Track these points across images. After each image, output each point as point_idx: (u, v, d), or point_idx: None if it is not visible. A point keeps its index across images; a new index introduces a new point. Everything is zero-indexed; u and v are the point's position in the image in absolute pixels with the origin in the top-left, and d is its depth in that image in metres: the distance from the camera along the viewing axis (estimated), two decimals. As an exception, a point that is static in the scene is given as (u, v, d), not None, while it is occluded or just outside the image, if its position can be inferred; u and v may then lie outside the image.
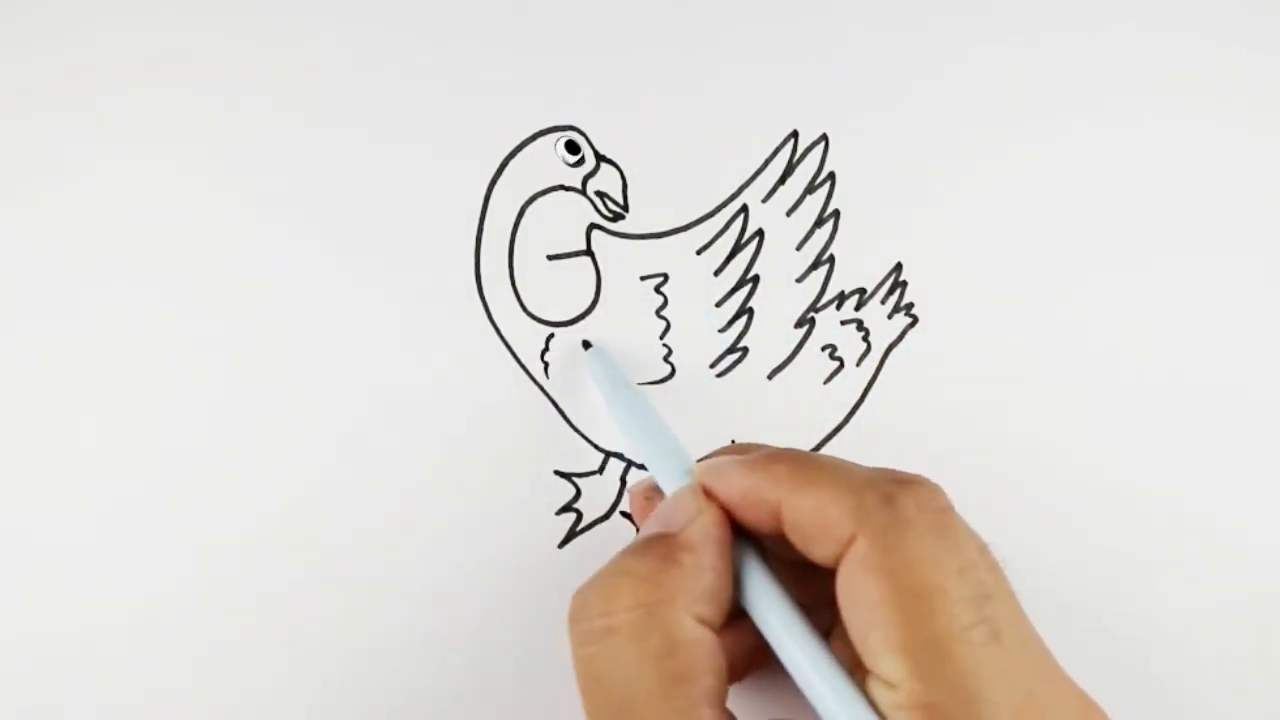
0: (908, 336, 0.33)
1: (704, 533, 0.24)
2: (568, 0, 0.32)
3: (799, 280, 0.33)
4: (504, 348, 0.32)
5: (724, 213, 0.33)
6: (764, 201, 0.33)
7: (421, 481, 0.32)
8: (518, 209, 0.32)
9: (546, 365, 0.32)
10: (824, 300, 0.33)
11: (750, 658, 0.26)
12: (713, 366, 0.33)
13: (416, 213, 0.32)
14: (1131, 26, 0.34)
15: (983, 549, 0.23)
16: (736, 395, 0.33)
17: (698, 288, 0.33)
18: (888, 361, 0.33)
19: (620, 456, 0.32)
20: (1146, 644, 0.34)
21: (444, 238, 0.32)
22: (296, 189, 0.31)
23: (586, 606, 0.23)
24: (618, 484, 0.32)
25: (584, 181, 0.32)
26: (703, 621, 0.23)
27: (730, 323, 0.33)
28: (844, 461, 0.24)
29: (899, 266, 0.33)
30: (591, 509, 0.32)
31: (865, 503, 0.22)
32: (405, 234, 0.32)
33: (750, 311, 0.33)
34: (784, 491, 0.23)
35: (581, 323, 0.32)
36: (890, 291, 0.33)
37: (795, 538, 0.23)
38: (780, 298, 0.33)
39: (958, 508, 0.23)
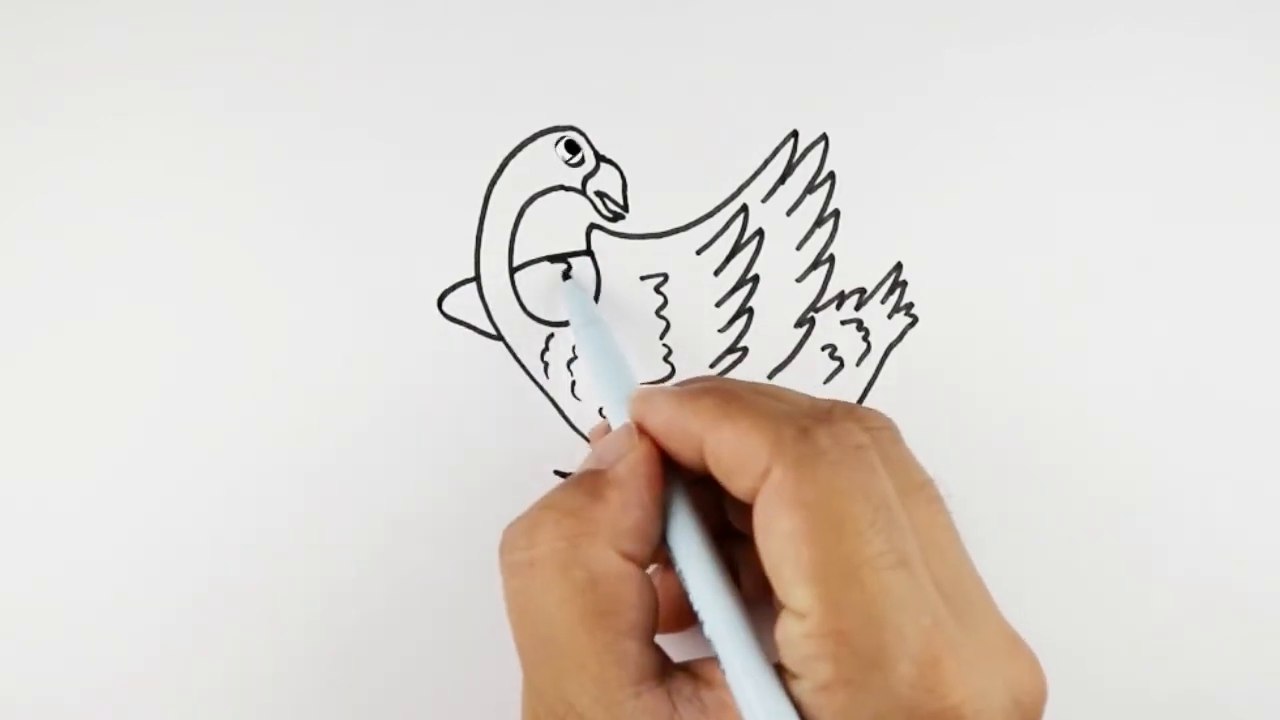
0: (908, 336, 0.33)
1: (631, 469, 0.24)
2: (568, 0, 0.32)
3: (799, 280, 0.33)
4: (504, 348, 0.32)
5: (724, 212, 0.33)
6: (764, 201, 0.33)
7: (421, 481, 0.32)
8: (518, 209, 0.32)
9: (546, 365, 0.32)
10: (824, 300, 0.33)
11: None
12: (713, 366, 0.33)
13: (416, 212, 0.32)
14: (1132, 27, 0.34)
15: (914, 482, 0.23)
16: (736, 395, 0.32)
17: (698, 288, 0.33)
18: (888, 361, 0.33)
19: (620, 456, 0.32)
20: (1145, 642, 0.34)
21: (444, 238, 0.32)
22: (296, 189, 0.31)
23: (513, 540, 0.23)
24: (618, 484, 0.32)
25: (584, 181, 0.32)
26: (627, 557, 0.23)
27: (730, 323, 0.33)
28: (771, 393, 0.24)
29: (899, 266, 0.33)
30: (591, 509, 0.32)
31: (782, 436, 0.22)
32: (405, 234, 0.32)
33: (750, 311, 0.33)
34: (706, 425, 0.23)
35: (581, 323, 0.32)
36: (890, 291, 0.33)
37: (717, 472, 0.23)
38: (780, 298, 0.33)
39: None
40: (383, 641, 0.31)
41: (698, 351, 0.33)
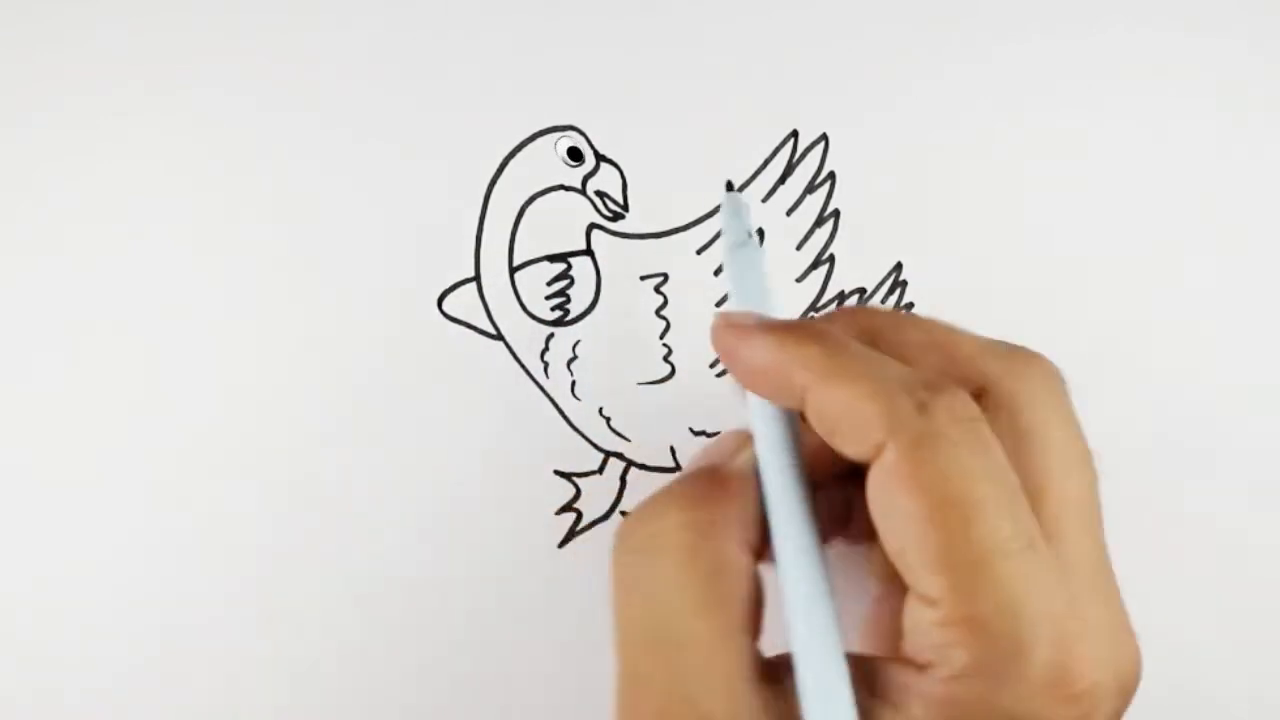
0: (908, 336, 0.33)
1: (752, 464, 0.23)
2: (568, 0, 0.32)
3: (799, 280, 0.33)
4: (504, 348, 0.32)
5: (724, 213, 0.33)
6: (764, 201, 0.33)
7: (421, 481, 0.32)
8: (518, 209, 0.32)
9: (546, 365, 0.32)
10: (824, 300, 0.33)
11: None
12: (713, 366, 0.33)
13: (416, 212, 0.32)
14: (1132, 27, 0.34)
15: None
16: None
17: (698, 288, 0.33)
18: (888, 361, 0.33)
19: (620, 456, 0.32)
20: (1145, 642, 0.34)
21: (444, 238, 0.32)
22: (296, 188, 0.31)
23: (635, 525, 0.23)
24: (618, 484, 0.32)
25: (584, 181, 0.32)
26: (748, 550, 0.22)
27: (730, 323, 0.33)
28: (878, 351, 0.23)
29: (899, 266, 0.33)
30: (591, 509, 0.32)
31: (898, 408, 0.21)
32: (405, 234, 0.32)
33: (750, 311, 0.33)
34: (812, 379, 0.22)
35: (581, 323, 0.32)
36: (890, 291, 0.33)
37: (820, 428, 0.22)
38: (780, 298, 0.33)
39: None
40: (382, 641, 0.31)
41: (698, 351, 0.33)
